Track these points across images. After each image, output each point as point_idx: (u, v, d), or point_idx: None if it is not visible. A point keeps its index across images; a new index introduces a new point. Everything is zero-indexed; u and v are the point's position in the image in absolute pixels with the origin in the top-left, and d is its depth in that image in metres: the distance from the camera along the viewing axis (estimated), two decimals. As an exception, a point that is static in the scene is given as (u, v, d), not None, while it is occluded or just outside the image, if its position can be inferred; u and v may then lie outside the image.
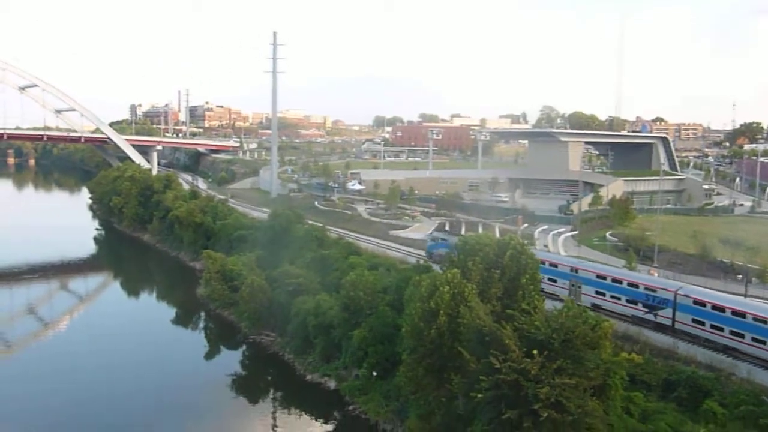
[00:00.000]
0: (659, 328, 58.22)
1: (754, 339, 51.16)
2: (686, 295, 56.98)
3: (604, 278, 64.43)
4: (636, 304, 60.86)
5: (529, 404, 36.81)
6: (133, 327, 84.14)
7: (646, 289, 60.57)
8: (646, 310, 59.98)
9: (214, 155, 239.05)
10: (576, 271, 66.61)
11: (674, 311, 57.62)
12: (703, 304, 55.54)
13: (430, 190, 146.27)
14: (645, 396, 44.91)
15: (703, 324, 55.11)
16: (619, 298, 62.35)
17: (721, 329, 53.58)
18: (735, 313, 53.07)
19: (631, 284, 62.00)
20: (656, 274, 72.89)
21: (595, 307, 60.36)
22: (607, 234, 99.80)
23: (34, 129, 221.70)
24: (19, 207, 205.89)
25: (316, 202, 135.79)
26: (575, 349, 38.59)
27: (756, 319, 51.30)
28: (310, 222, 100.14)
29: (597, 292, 64.18)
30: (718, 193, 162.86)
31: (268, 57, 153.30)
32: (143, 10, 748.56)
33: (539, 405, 36.26)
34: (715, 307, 54.66)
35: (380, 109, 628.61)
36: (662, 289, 59.52)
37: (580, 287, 65.11)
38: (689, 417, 43.58)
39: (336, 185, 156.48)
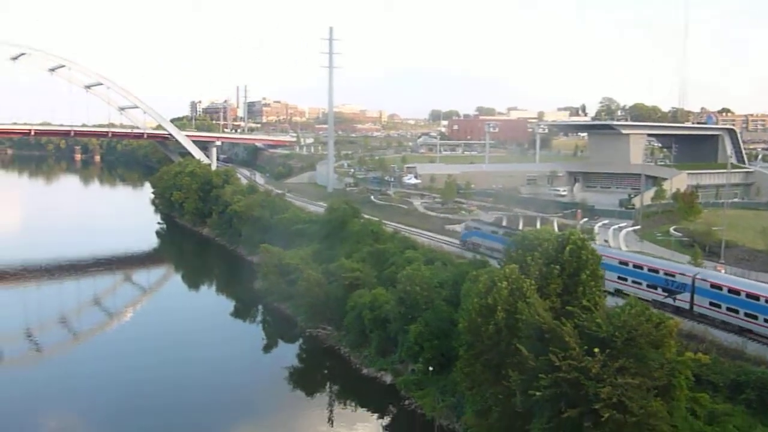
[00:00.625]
0: (678, 312, 58.31)
1: (766, 320, 52.71)
2: (704, 279, 58.51)
3: (626, 264, 65.70)
4: (656, 288, 62.08)
5: (590, 404, 35.96)
6: (193, 319, 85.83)
7: (665, 274, 61.88)
8: (666, 294, 61.22)
9: (271, 150, 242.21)
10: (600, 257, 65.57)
11: (692, 295, 59.01)
12: (719, 287, 57.02)
13: (487, 184, 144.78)
14: (711, 397, 43.22)
15: (719, 307, 56.60)
16: (640, 283, 63.52)
17: (737, 311, 55.06)
18: (749, 295, 54.47)
19: (651, 269, 63.41)
20: (723, 271, 70.34)
21: (618, 292, 61.73)
22: (671, 229, 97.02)
23: (100, 126, 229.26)
24: (86, 202, 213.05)
25: (372, 197, 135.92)
26: (638, 347, 37.50)
27: None
28: (367, 216, 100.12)
29: (619, 278, 65.17)
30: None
31: (324, 52, 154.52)
32: (203, 7, 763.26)
33: (600, 405, 35.38)
34: (731, 290, 56.02)
35: (436, 102, 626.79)
36: (681, 274, 60.97)
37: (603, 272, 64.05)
38: (759, 420, 41.88)
39: (392, 179, 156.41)
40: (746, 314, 54.24)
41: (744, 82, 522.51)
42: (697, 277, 59.41)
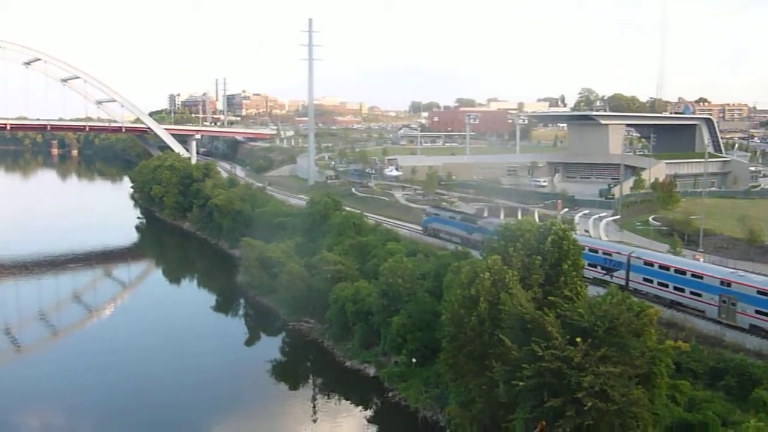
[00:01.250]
0: (621, 288, 58.77)
1: (692, 292, 57.50)
2: (638, 257, 63.35)
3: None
4: (596, 267, 65.83)
5: (573, 393, 36.17)
6: (174, 314, 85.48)
7: (604, 253, 66.55)
8: (605, 272, 65.39)
9: (251, 143, 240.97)
10: (602, 253, 68.98)
11: (627, 272, 63.58)
12: (651, 264, 62.01)
13: (468, 176, 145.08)
14: (692, 384, 43.70)
15: (651, 282, 61.50)
16: (586, 262, 64.49)
17: (666, 285, 59.94)
18: (677, 270, 59.53)
19: (591, 249, 66.36)
20: (701, 259, 71.17)
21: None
22: (650, 218, 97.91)
23: (77, 120, 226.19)
24: (64, 197, 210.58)
25: (353, 189, 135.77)
26: (620, 336, 37.75)
27: (693, 275, 57.81)
28: (348, 209, 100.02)
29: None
30: (765, 175, 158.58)
31: (303, 44, 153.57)
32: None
33: (583, 394, 35.59)
34: (661, 266, 61.08)
35: (417, 94, 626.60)
36: (617, 253, 65.79)
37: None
38: (738, 406, 42.39)
39: (373, 171, 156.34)
40: (675, 287, 58.99)
41: (720, 71, 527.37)
42: (632, 255, 63.91)
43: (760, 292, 51.99)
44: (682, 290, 58.33)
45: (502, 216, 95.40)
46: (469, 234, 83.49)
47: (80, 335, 78.37)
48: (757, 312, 51.95)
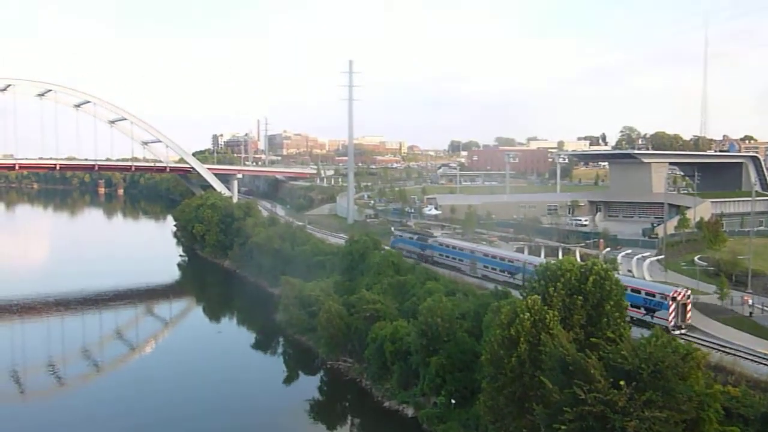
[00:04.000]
0: (517, 287, 71.44)
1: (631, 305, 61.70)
2: (530, 263, 76.10)
3: (490, 256, 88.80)
4: (504, 272, 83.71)
5: (617, 438, 35.16)
6: (214, 351, 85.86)
7: (508, 261, 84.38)
8: (509, 275, 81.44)
9: (292, 182, 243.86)
10: (473, 252, 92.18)
11: (523, 275, 75.22)
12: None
13: (508, 215, 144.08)
14: (742, 431, 42.10)
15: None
16: (496, 269, 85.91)
17: None
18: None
19: (502, 258, 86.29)
20: (750, 301, 69.12)
21: (485, 276, 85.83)
22: (696, 258, 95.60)
23: (123, 160, 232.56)
24: (109, 234, 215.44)
25: (392, 228, 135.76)
26: (665, 380, 36.69)
27: (640, 291, 64.78)
28: (387, 248, 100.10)
29: (485, 266, 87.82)
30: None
31: (343, 85, 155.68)
32: (221, 42, 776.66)
33: (627, 439, 34.59)
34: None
35: (456, 133, 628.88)
36: (516, 260, 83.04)
37: (475, 263, 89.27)
38: (792, 454, 40.59)
39: (412, 210, 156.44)
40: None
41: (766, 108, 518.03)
42: (526, 262, 79.43)
43: None
44: None
45: (542, 255, 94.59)
46: (422, 250, 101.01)
47: (121, 372, 79.16)
48: None
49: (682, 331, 60.57)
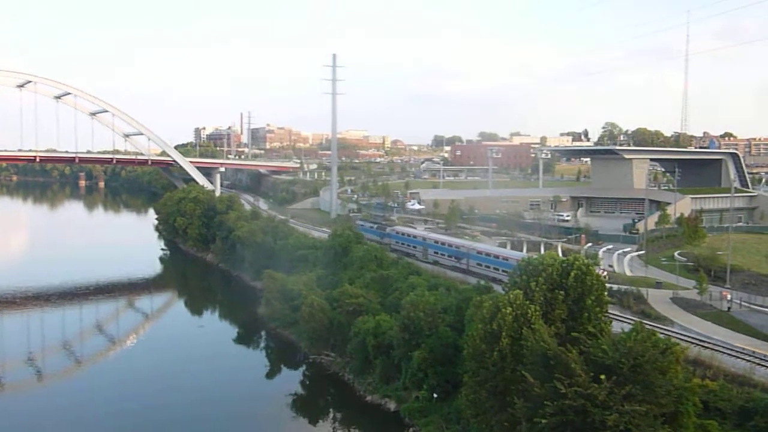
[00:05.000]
0: (463, 271, 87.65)
1: (503, 270, 77.57)
2: (473, 249, 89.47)
3: (440, 243, 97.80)
4: (452, 257, 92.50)
5: (597, 431, 35.46)
6: (195, 345, 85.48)
7: (456, 248, 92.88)
8: (456, 260, 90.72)
9: (275, 176, 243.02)
10: (425, 240, 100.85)
11: (468, 260, 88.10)
12: (480, 252, 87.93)
13: (491, 210, 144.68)
14: (720, 424, 42.57)
15: (480, 265, 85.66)
16: (445, 255, 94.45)
17: (488, 266, 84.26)
18: (495, 256, 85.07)
19: (450, 245, 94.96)
20: (729, 296, 69.99)
21: (435, 262, 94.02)
22: (676, 254, 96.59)
23: (104, 152, 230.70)
24: (89, 227, 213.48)
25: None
26: (645, 374, 37.08)
27: (504, 258, 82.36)
28: (370, 242, 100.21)
29: (435, 252, 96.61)
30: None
31: (327, 79, 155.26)
32: (206, 35, 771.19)
33: (607, 432, 34.92)
34: (488, 255, 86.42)
35: (439, 128, 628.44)
36: (462, 247, 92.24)
37: (427, 250, 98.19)
38: (769, 447, 41.14)
39: (395, 205, 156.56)
40: (494, 268, 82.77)
41: (746, 105, 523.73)
42: (471, 248, 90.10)
43: None
44: (497, 269, 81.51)
45: (524, 249, 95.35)
46: (381, 238, 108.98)
47: (101, 366, 78.50)
48: None
49: None
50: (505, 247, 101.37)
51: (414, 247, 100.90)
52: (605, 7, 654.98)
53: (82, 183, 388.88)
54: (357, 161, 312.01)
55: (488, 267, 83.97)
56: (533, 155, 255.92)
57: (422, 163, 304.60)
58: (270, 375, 75.58)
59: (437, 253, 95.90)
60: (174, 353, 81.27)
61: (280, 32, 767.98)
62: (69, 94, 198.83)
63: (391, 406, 61.60)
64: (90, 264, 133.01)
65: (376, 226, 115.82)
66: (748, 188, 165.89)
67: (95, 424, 59.95)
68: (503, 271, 77.65)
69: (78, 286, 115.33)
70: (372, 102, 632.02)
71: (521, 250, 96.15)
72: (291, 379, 73.11)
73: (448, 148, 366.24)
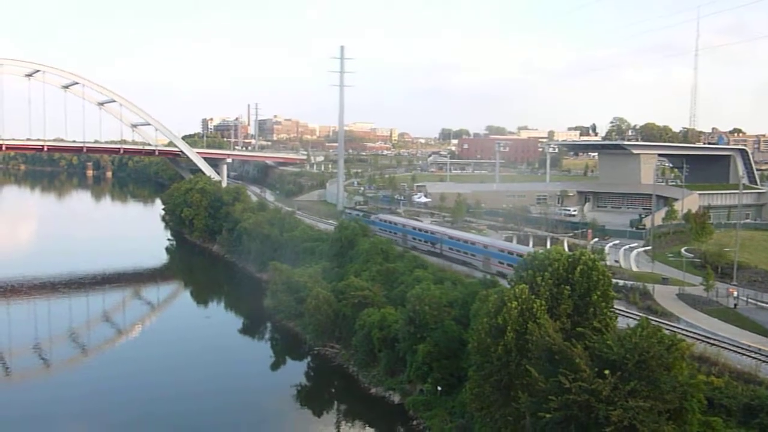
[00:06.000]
0: (437, 254, 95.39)
1: (471, 254, 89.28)
2: (446, 235, 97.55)
3: (417, 229, 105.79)
4: (427, 242, 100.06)
5: (601, 427, 35.45)
6: (201, 337, 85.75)
7: (431, 233, 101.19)
8: (431, 244, 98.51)
9: (281, 168, 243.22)
10: (404, 226, 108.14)
11: (441, 245, 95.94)
12: (452, 238, 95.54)
13: (497, 204, 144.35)
14: (725, 421, 42.50)
15: (452, 249, 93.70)
16: (422, 240, 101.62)
17: (459, 251, 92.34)
18: (465, 241, 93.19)
19: (424, 231, 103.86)
20: (735, 293, 69.75)
21: (414, 247, 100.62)
22: (683, 250, 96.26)
23: (112, 142, 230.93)
24: (97, 217, 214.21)
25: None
26: (650, 370, 36.96)
27: (471, 243, 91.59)
28: (408, 245, 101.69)
29: (413, 238, 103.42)
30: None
31: (335, 71, 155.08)
32: (216, 25, 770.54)
33: (611, 428, 34.88)
34: (458, 240, 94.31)
35: (447, 121, 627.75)
36: (436, 232, 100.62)
37: (406, 236, 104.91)
38: (773, 445, 41.06)
39: (402, 198, 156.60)
40: (464, 252, 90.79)
41: (755, 101, 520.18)
42: (443, 234, 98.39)
43: None
44: (467, 253, 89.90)
45: (530, 244, 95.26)
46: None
47: (107, 356, 78.92)
48: None
49: None
50: (511, 240, 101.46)
51: (394, 233, 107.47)
52: (607, 4, 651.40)
53: (90, 173, 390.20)
54: (364, 154, 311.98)
55: (459, 251, 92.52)
56: (540, 149, 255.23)
57: (429, 156, 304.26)
58: (275, 366, 75.87)
59: (415, 238, 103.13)
60: (179, 344, 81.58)
61: (286, 28, 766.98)
62: (77, 84, 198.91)
63: (396, 398, 61.79)
64: (97, 254, 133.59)
65: (362, 214, 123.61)
66: (757, 185, 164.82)
67: (101, 415, 60.20)
68: (471, 254, 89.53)
69: (84, 276, 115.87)
70: (379, 95, 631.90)
71: (528, 245, 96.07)
72: (296, 371, 73.34)
73: (455, 142, 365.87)
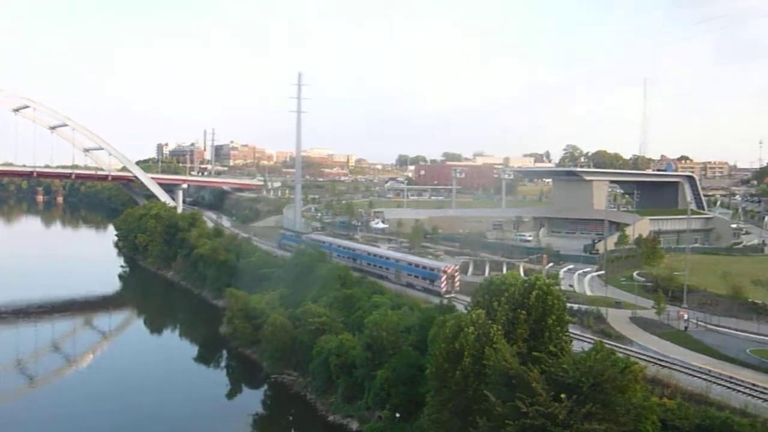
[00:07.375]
0: (358, 269, 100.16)
1: (385, 268, 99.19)
2: (365, 251, 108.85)
3: (341, 246, 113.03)
4: (349, 258, 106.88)
5: (558, 450, 35.77)
6: (155, 364, 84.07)
7: (353, 251, 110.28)
8: (353, 261, 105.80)
9: (238, 194, 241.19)
10: (330, 244, 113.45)
11: (360, 260, 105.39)
12: (369, 254, 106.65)
13: (454, 229, 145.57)
14: (678, 442, 43.32)
15: (369, 264, 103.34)
16: (344, 257, 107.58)
17: (375, 265, 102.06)
18: (381, 256, 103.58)
19: (347, 248, 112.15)
20: (686, 316, 71.37)
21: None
22: (635, 274, 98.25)
23: (63, 167, 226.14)
24: (46, 244, 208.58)
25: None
26: (605, 393, 37.59)
27: (384, 257, 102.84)
28: (334, 260, 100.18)
29: (338, 255, 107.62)
30: (747, 232, 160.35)
31: (292, 97, 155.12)
32: (169, 50, 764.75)
33: (568, 451, 35.23)
34: (374, 255, 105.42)
35: (403, 148, 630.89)
36: (357, 249, 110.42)
37: (332, 252, 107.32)
38: (724, 465, 41.90)
39: (359, 224, 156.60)
40: (377, 266, 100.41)
41: (702, 129, 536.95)
42: (362, 250, 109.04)
43: None
44: (417, 277, 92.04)
45: (486, 270, 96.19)
46: (298, 244, 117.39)
47: (56, 385, 76.67)
48: None
49: (452, 295, 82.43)
50: (467, 267, 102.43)
51: (351, 258, 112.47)
52: (561, 31, 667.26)
53: (40, 198, 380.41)
54: (321, 179, 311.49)
55: (375, 266, 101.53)
56: (496, 176, 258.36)
57: (387, 182, 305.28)
58: (231, 394, 74.63)
59: (339, 255, 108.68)
60: (131, 372, 79.60)
61: (243, 54, 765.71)
62: (28, 107, 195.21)
63: (354, 425, 61.27)
64: (45, 281, 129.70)
65: (294, 234, 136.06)
66: (704, 210, 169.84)
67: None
68: (385, 268, 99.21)
69: (31, 305, 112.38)
70: (337, 121, 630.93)
71: (484, 271, 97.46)
72: (252, 399, 72.35)
73: (412, 168, 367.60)
